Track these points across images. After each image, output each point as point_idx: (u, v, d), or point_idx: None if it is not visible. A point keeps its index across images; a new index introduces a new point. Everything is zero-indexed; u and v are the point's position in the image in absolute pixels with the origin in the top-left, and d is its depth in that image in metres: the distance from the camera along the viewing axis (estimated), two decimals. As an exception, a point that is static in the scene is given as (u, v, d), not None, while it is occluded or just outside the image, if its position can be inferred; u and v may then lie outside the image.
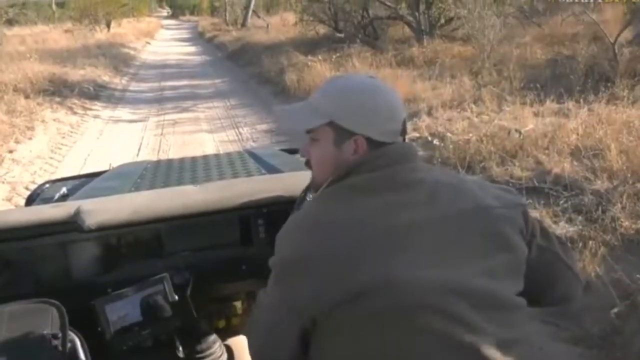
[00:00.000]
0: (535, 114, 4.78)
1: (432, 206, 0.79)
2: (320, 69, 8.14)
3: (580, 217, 2.91)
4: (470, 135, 4.36)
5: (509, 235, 0.81)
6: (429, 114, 5.50)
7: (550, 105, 5.05)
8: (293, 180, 1.27)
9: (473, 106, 5.36)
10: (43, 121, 6.93)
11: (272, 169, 1.69)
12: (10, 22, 23.99)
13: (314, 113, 0.88)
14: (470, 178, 0.91)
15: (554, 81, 5.92)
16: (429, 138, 4.72)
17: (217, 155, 2.06)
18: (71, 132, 6.93)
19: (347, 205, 0.80)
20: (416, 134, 4.97)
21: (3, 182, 4.79)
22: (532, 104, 5.02)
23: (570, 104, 4.89)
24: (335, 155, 0.87)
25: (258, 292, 0.88)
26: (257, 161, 1.83)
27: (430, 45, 8.74)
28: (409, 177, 0.82)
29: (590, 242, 2.60)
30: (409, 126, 3.65)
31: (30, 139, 6.19)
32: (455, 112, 5.41)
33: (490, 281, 0.76)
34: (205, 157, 2.00)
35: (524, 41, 7.99)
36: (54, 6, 32.32)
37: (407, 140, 0.90)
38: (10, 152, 5.60)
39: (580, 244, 2.61)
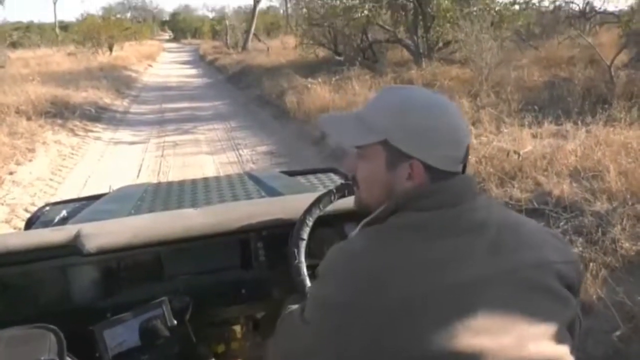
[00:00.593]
0: (534, 136, 4.81)
1: (494, 258, 0.72)
2: (320, 92, 8.22)
3: (580, 239, 2.90)
4: (469, 157, 4.37)
5: (566, 293, 0.76)
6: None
7: (549, 127, 5.09)
8: (293, 203, 1.27)
9: (472, 128, 5.39)
10: (44, 143, 6.97)
11: (272, 192, 1.69)
12: (14, 45, 24.40)
13: (366, 128, 0.78)
14: (526, 219, 0.84)
15: (552, 103, 5.98)
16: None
17: (217, 178, 2.07)
18: (72, 153, 6.95)
19: (405, 250, 0.71)
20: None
21: (3, 204, 4.78)
22: (531, 125, 5.05)
23: (568, 126, 4.92)
24: (387, 178, 0.78)
25: (287, 312, 0.80)
26: (257, 184, 1.83)
27: (428, 68, 8.83)
28: (473, 219, 0.74)
29: (591, 264, 2.59)
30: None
31: (30, 160, 6.21)
32: (454, 133, 5.43)
33: (551, 346, 0.72)
34: (205, 180, 2.01)
35: (521, 64, 8.09)
36: (57, 29, 32.85)
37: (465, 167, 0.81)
38: (11, 173, 5.61)
39: (581, 266, 2.60)
